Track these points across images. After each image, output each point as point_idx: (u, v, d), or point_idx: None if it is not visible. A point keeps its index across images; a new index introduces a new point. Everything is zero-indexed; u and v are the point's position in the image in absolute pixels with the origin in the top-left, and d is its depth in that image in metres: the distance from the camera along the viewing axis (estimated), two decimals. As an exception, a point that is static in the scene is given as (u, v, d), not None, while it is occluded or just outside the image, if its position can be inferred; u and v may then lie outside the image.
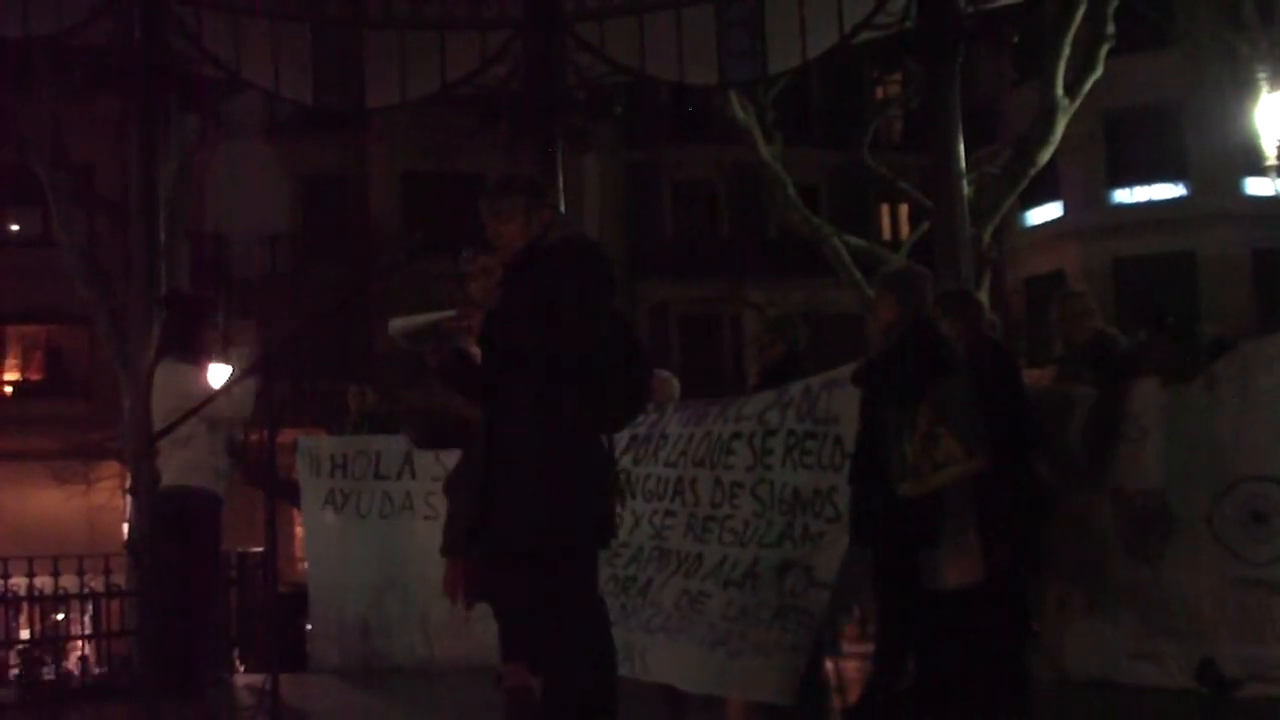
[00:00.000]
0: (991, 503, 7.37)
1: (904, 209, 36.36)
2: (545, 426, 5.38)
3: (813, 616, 7.97)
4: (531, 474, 5.36)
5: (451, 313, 5.82)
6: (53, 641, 12.09)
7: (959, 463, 7.23)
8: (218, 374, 8.99)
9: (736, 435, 8.85)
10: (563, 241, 5.59)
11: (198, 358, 8.36)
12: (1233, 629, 7.70)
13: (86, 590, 11.37)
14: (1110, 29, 18.24)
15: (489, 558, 5.85)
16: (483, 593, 6.44)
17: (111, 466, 28.35)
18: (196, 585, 8.22)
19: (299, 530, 12.37)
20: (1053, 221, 35.78)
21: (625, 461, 8.90)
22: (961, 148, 13.05)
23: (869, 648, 8.72)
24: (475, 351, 5.81)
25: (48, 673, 11.45)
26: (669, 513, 9.09)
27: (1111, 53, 18.47)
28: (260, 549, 11.56)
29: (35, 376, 35.51)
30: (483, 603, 7.18)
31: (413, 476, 11.25)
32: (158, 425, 7.94)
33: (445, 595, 7.67)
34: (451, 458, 8.85)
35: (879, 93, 33.95)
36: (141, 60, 13.18)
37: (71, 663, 12.19)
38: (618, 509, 5.79)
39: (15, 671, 12.16)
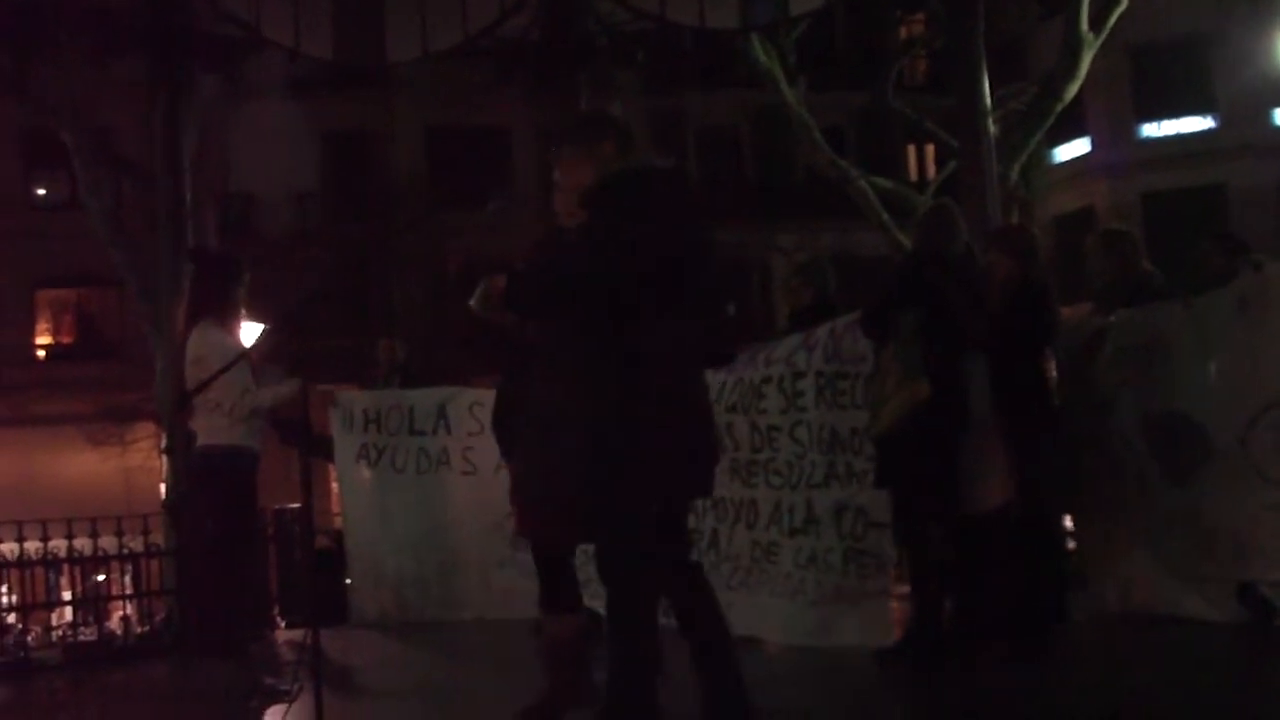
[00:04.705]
0: (1017, 428, 7.40)
1: (930, 149, 36.17)
2: (592, 372, 5.21)
3: (881, 558, 8.14)
4: (582, 421, 5.24)
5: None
6: (94, 602, 12.18)
7: (896, 394, 7.25)
8: (249, 332, 9.04)
9: (766, 380, 8.87)
10: (621, 172, 5.36)
11: (232, 319, 8.40)
12: (1269, 555, 7.69)
13: (126, 551, 11.45)
14: (1136, -41, 18.05)
15: (537, 501, 5.79)
16: (529, 534, 6.26)
17: (147, 427, 28.53)
18: (235, 543, 8.26)
19: (335, 486, 12.42)
20: (1080, 158, 35.55)
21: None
22: (986, 86, 12.98)
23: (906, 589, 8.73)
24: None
25: (90, 633, 11.53)
26: None
27: (1137, -15, 18.28)
28: (296, 505, 11.62)
29: (67, 340, 35.69)
30: (523, 554, 7.13)
31: (448, 431, 11.29)
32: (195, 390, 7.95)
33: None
34: (485, 412, 8.89)
35: (902, 33, 33.70)
36: (162, 21, 13.15)
37: (113, 623, 12.29)
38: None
39: (58, 633, 12.28)
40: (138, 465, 29.13)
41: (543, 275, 5.49)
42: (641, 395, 5.12)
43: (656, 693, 5.14)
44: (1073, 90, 18.56)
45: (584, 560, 6.07)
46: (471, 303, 5.62)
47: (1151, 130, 34.94)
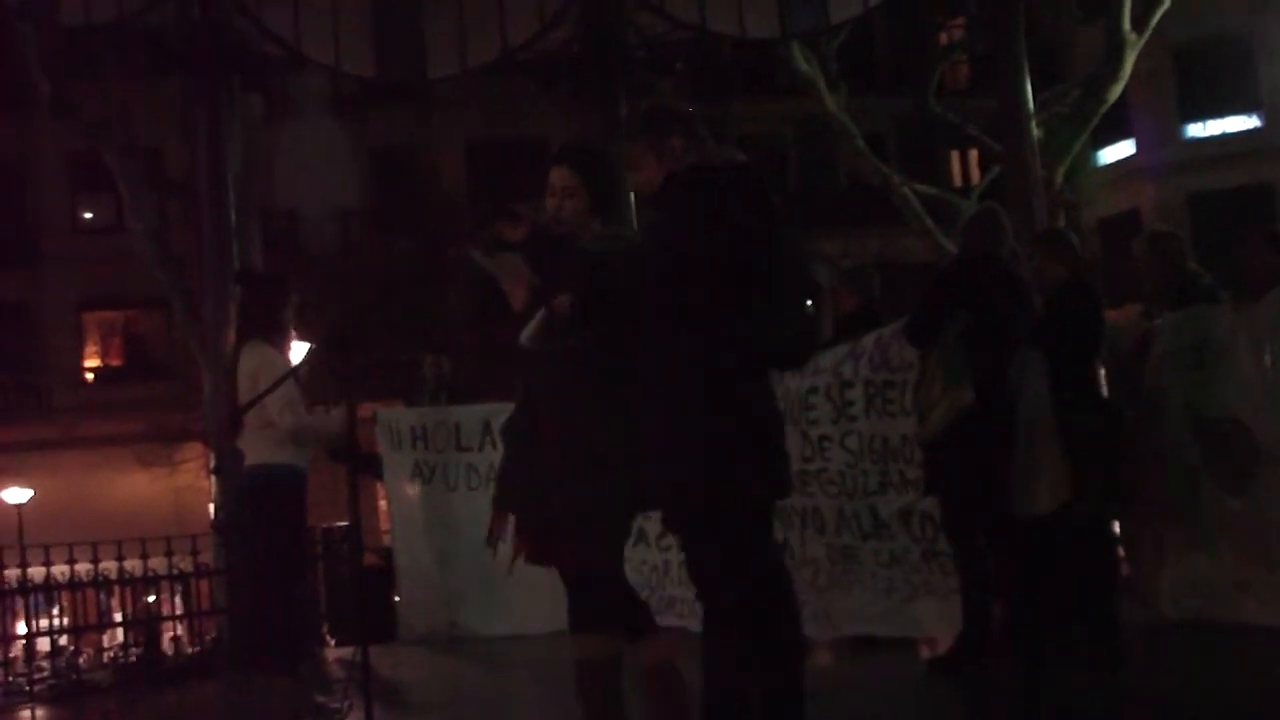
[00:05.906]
0: (1072, 432, 7.33)
1: (974, 154, 36.02)
2: (662, 377, 4.98)
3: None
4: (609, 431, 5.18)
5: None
6: (145, 623, 12.23)
7: (940, 400, 7.21)
8: (298, 353, 9.06)
9: (813, 390, 8.83)
10: (689, 168, 5.07)
11: (281, 339, 8.41)
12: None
13: (176, 571, 11.47)
14: (1177, -41, 17.96)
15: (547, 520, 5.64)
16: (544, 557, 6.07)
17: (195, 448, 28.64)
18: (284, 561, 8.26)
19: (383, 504, 12.42)
20: (1125, 160, 35.34)
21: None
22: (1029, 89, 12.90)
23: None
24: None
25: (141, 654, 11.57)
26: None
27: (1178, -16, 18.17)
28: (344, 523, 11.63)
29: (115, 362, 35.93)
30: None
31: (494, 447, 11.25)
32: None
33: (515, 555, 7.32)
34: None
35: (943, 38, 33.64)
36: (203, 42, 13.23)
37: (165, 643, 12.33)
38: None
39: (110, 654, 12.31)
40: (187, 485, 29.26)
41: (614, 285, 5.20)
42: (713, 400, 4.90)
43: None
44: (1116, 91, 18.48)
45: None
46: (524, 339, 5.47)
47: (1196, 130, 34.71)
